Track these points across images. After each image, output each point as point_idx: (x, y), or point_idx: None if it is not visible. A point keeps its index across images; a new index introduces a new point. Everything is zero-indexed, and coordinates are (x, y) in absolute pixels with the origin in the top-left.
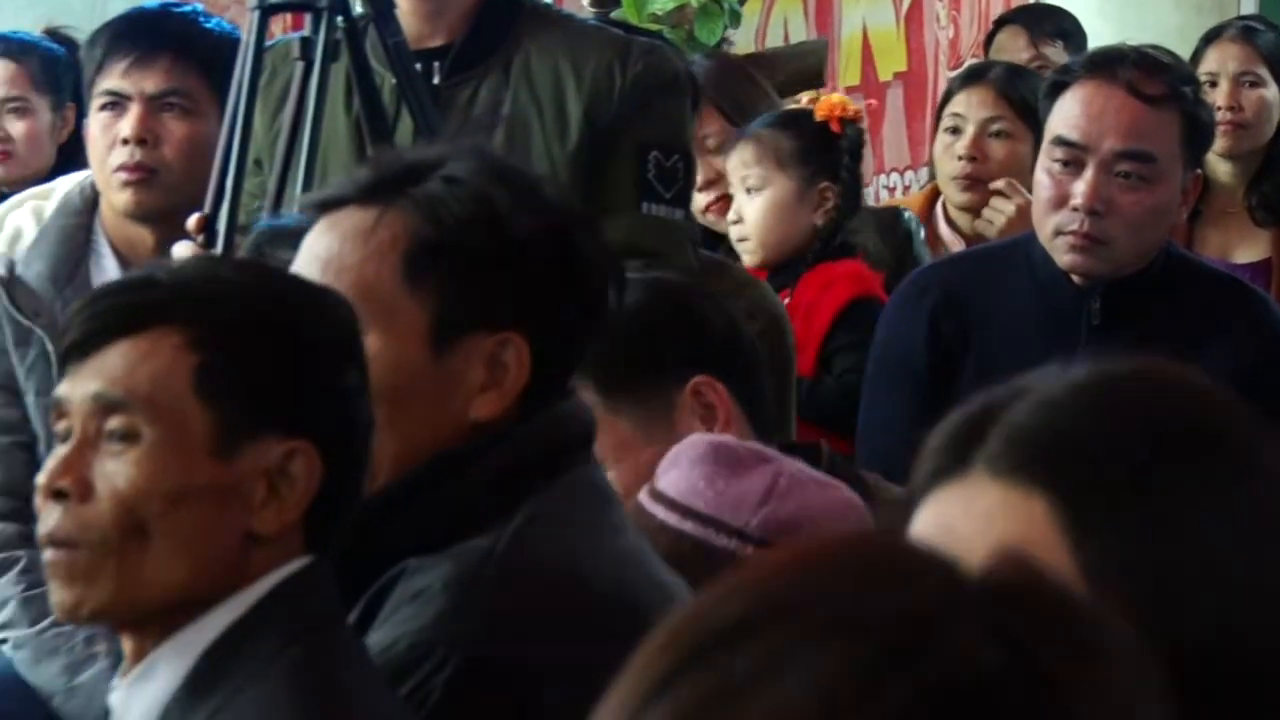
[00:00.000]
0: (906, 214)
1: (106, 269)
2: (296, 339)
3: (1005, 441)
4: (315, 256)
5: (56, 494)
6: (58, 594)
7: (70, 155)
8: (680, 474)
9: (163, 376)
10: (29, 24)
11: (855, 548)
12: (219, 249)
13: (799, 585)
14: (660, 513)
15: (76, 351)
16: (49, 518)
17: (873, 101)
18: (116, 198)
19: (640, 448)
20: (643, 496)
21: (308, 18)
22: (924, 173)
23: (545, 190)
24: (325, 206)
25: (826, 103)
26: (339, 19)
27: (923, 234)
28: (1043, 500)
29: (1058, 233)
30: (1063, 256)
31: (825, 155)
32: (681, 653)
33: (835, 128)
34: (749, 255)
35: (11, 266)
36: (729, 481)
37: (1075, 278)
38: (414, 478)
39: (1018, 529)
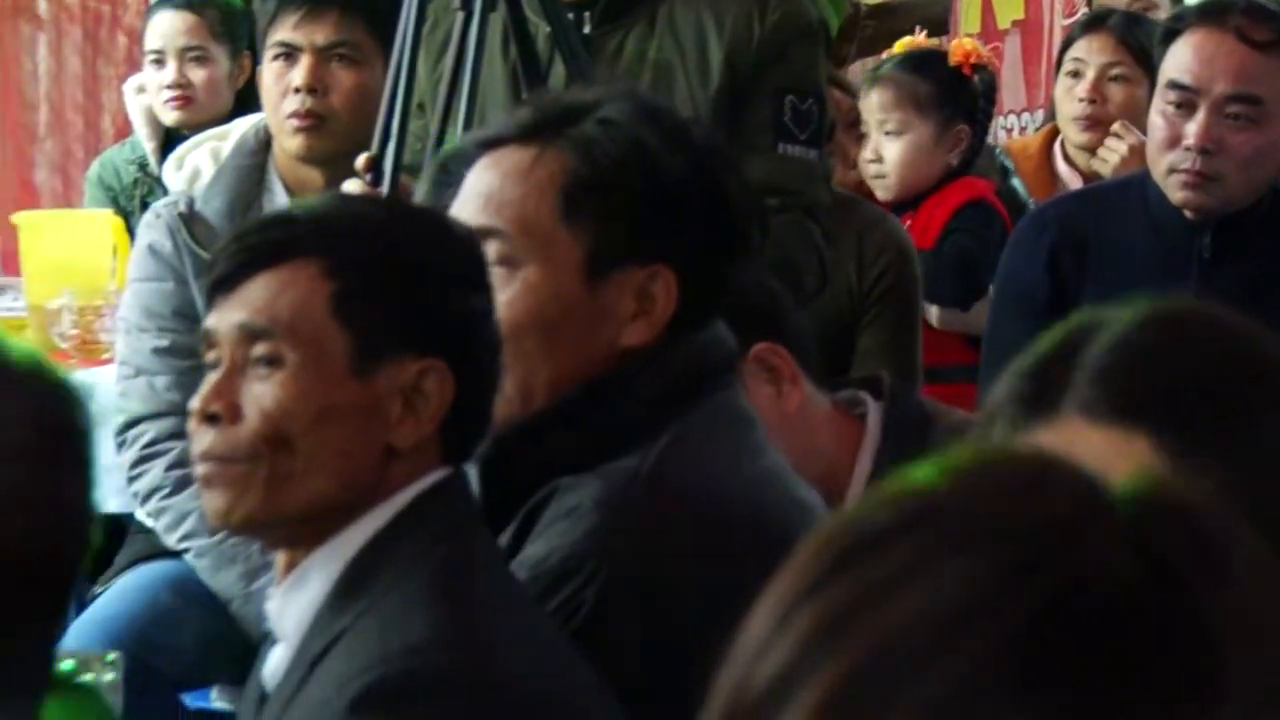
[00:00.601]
0: (998, 150)
1: (279, 206)
2: (425, 266)
3: (1096, 386)
4: (477, 193)
5: (209, 418)
6: (210, 501)
7: (245, 100)
8: None
9: (302, 305)
10: None
11: (1001, 461)
12: (385, 187)
13: (944, 495)
14: None
15: (223, 285)
16: (202, 439)
17: (997, 45)
18: (289, 142)
19: None
20: None
21: None
22: (1039, 115)
23: (693, 131)
24: (487, 145)
25: (960, 48)
26: None
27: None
28: (1144, 440)
29: (1171, 171)
30: (1176, 193)
31: (960, 99)
32: (832, 556)
33: (968, 72)
34: (884, 192)
35: (191, 203)
36: None
37: (1187, 214)
38: (567, 401)
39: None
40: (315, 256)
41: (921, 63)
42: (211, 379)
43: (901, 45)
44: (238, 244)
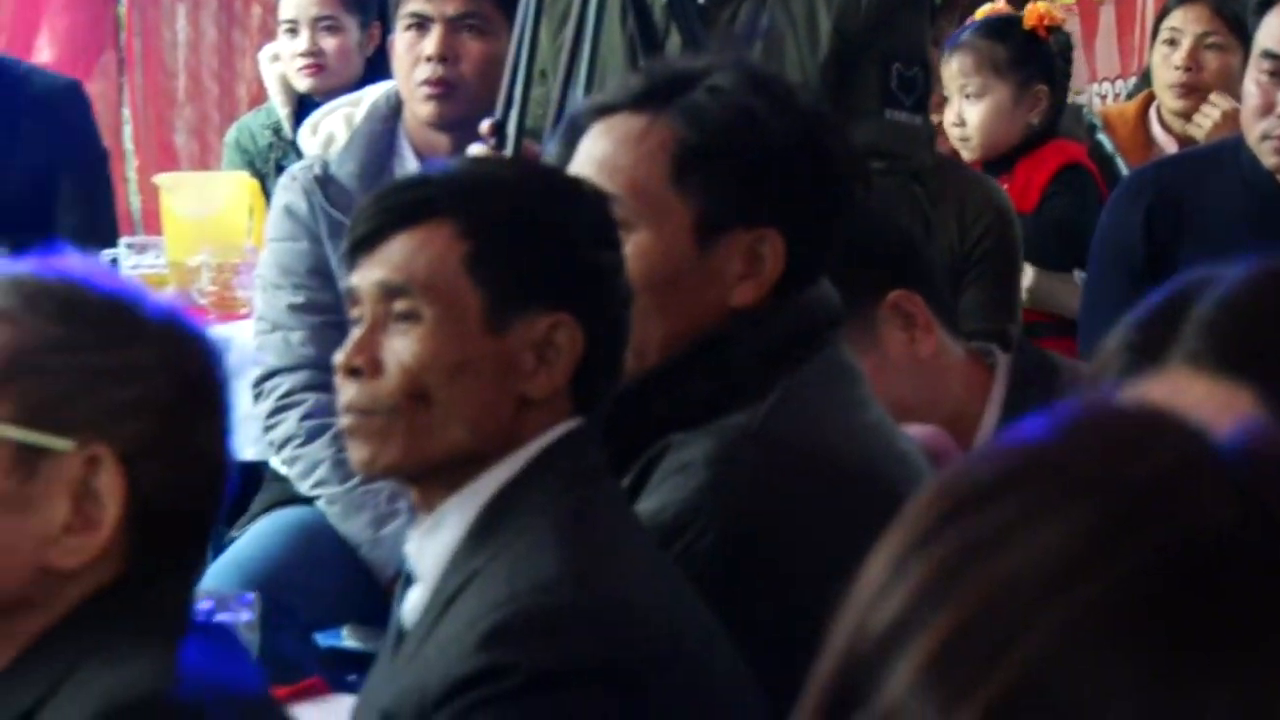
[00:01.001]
0: (1085, 110)
1: (409, 169)
2: (554, 224)
3: (1204, 339)
4: (591, 158)
5: (352, 371)
6: (355, 452)
7: (375, 68)
8: None
9: (438, 263)
10: None
11: (1108, 415)
12: (508, 151)
13: (1052, 450)
14: None
15: (363, 245)
16: (346, 392)
17: (1093, 13)
18: (420, 108)
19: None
20: None
21: None
22: (1133, 81)
23: (799, 97)
24: (601, 112)
25: (1034, 11)
26: None
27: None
28: (1249, 393)
29: (1264, 137)
30: (1269, 158)
31: (1037, 61)
32: (944, 509)
33: (1043, 34)
34: (969, 153)
35: (325, 166)
36: None
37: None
38: (679, 359)
39: (1229, 418)
40: (450, 217)
41: (997, 28)
42: (354, 334)
43: (981, 12)
44: (376, 206)
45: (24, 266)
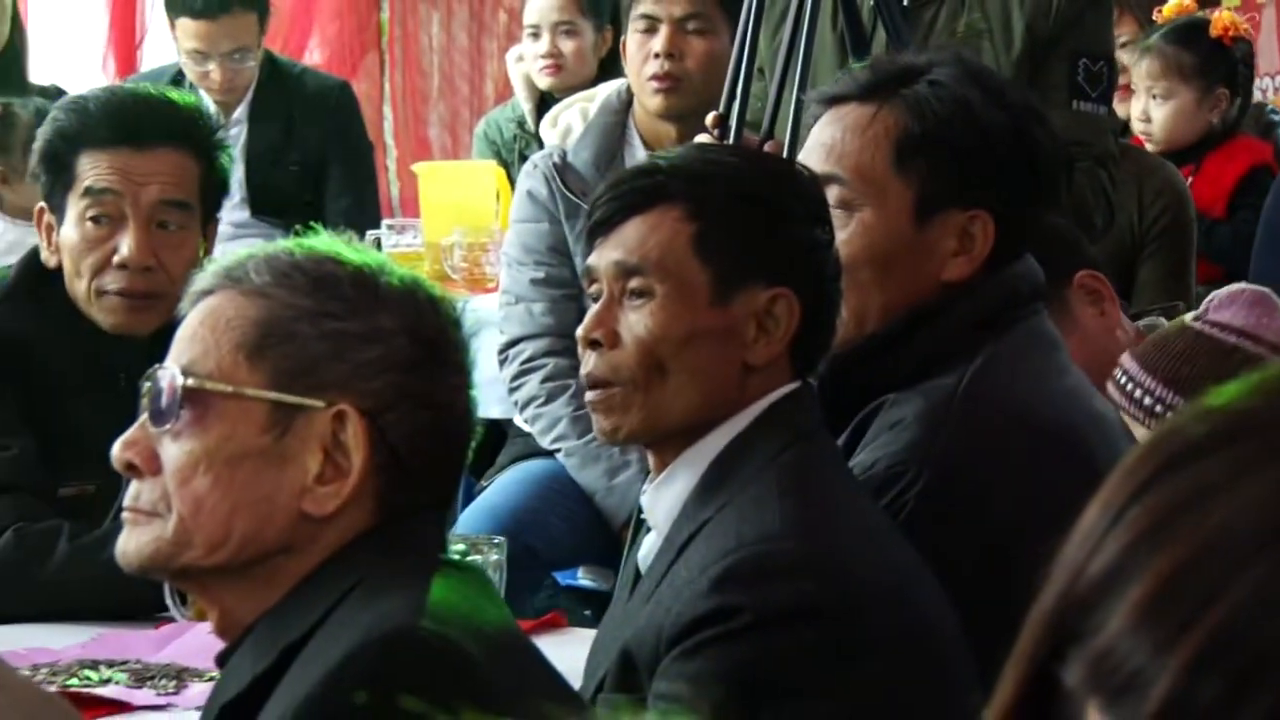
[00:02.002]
0: (1268, 107)
1: (638, 157)
2: (773, 206)
3: None
4: (820, 143)
5: (592, 343)
6: (599, 422)
7: (607, 67)
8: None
9: (668, 244)
10: None
11: None
12: (731, 141)
13: (1263, 409)
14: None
15: (601, 228)
16: (587, 363)
17: (1254, 15)
18: (649, 101)
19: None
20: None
21: None
22: None
23: (1010, 91)
24: (831, 101)
25: (1220, 21)
26: None
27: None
28: None
29: None
30: None
31: (1220, 67)
32: (1160, 461)
33: (1227, 42)
34: (1152, 145)
35: (563, 155)
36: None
37: None
38: (895, 327)
39: None
40: (678, 202)
41: (1185, 35)
42: (594, 310)
43: (1169, 10)
44: (611, 192)
45: (277, 246)
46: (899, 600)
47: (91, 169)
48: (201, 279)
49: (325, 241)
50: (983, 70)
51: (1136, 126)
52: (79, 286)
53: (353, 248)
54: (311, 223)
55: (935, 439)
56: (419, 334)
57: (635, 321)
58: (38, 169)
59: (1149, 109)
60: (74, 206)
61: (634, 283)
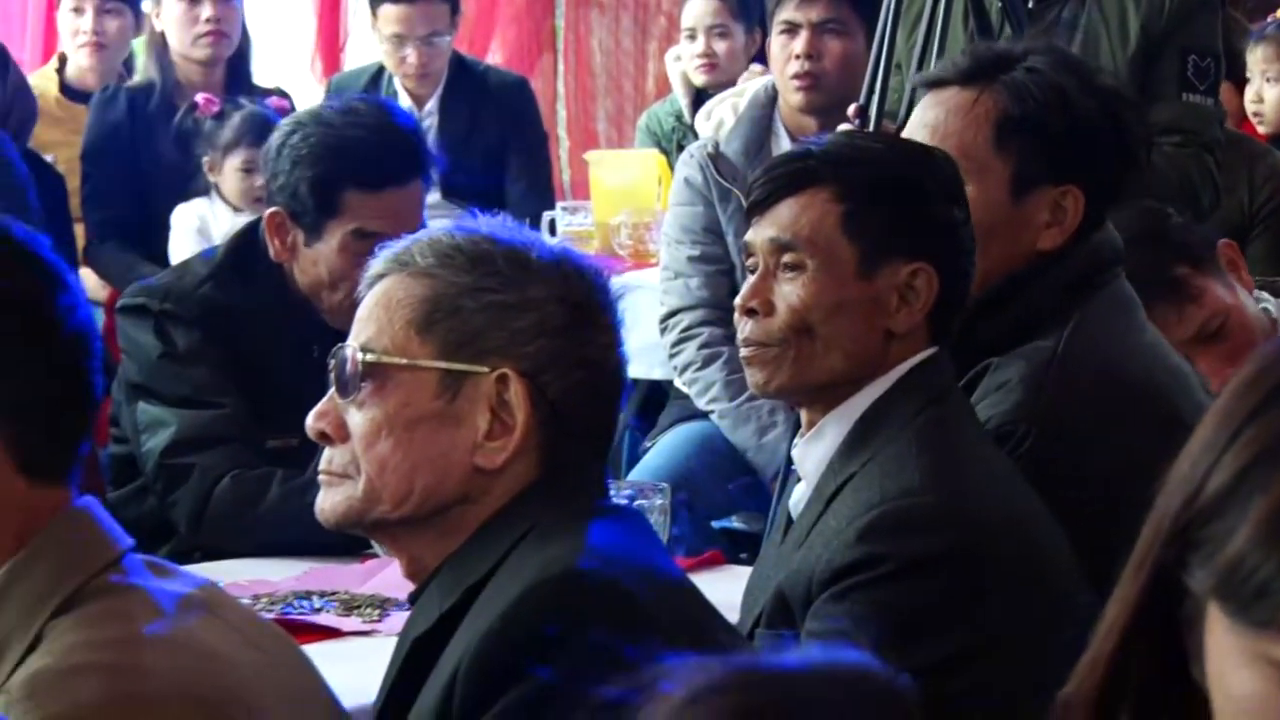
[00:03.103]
0: None
1: (783, 147)
2: (914, 187)
3: None
4: (924, 124)
5: (749, 311)
6: (751, 377)
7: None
8: None
9: (818, 223)
10: None
11: None
12: (870, 129)
13: None
14: None
15: (757, 207)
16: (744, 328)
17: None
18: (792, 97)
19: None
20: None
21: None
22: None
23: (1101, 78)
24: (934, 85)
25: None
26: None
27: None
28: None
29: None
30: None
31: None
32: (1259, 395)
33: None
34: (1263, 127)
35: (717, 145)
36: None
37: None
38: (992, 293)
39: None
40: (828, 184)
41: None
42: (750, 281)
43: None
44: (767, 175)
45: (438, 230)
46: (1025, 545)
47: (362, 209)
48: (374, 264)
49: (481, 222)
50: (1075, 59)
51: (1249, 108)
52: (334, 298)
53: (504, 227)
54: (493, 205)
55: (1039, 399)
56: (568, 300)
57: (788, 292)
58: (301, 193)
59: (1262, 90)
60: (337, 235)
61: (787, 257)
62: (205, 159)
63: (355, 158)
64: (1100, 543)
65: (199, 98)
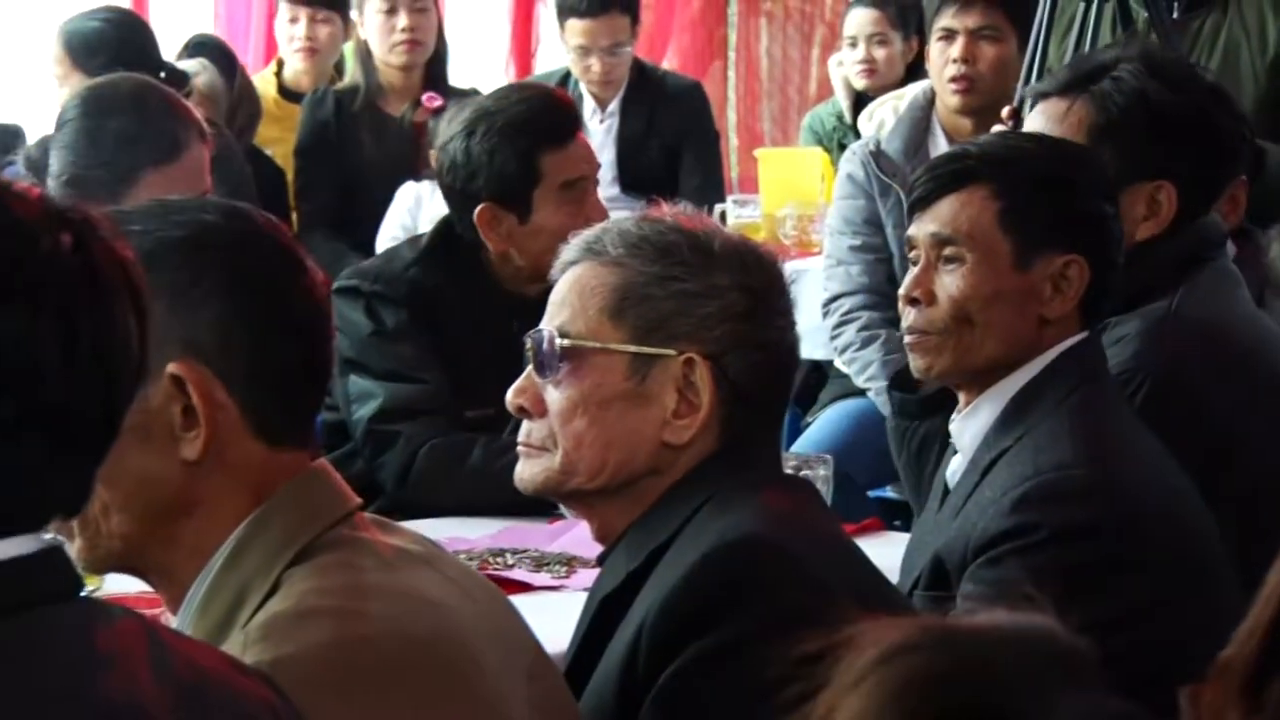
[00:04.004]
0: None
1: (940, 146)
2: (1067, 185)
3: None
4: (1031, 131)
5: (912, 300)
6: (914, 362)
7: (913, 70)
8: None
9: (977, 218)
10: None
11: None
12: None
13: None
14: None
15: (920, 204)
16: (907, 316)
17: None
18: (949, 100)
19: None
20: None
21: None
22: None
23: (1192, 78)
24: (1039, 96)
25: None
26: None
27: None
28: None
29: None
30: None
31: None
32: None
33: None
34: None
35: (878, 144)
36: None
37: None
38: None
39: None
40: (987, 182)
41: None
42: (913, 272)
43: None
44: (929, 174)
45: (626, 220)
46: (1171, 520)
47: (560, 164)
48: (567, 251)
49: (666, 212)
50: (1163, 62)
51: None
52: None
53: (688, 216)
54: (669, 198)
55: (1155, 350)
56: (748, 287)
57: (949, 283)
58: (507, 173)
59: None
60: (549, 198)
61: (948, 250)
62: (434, 151)
63: (540, 123)
64: (1210, 487)
65: (424, 96)
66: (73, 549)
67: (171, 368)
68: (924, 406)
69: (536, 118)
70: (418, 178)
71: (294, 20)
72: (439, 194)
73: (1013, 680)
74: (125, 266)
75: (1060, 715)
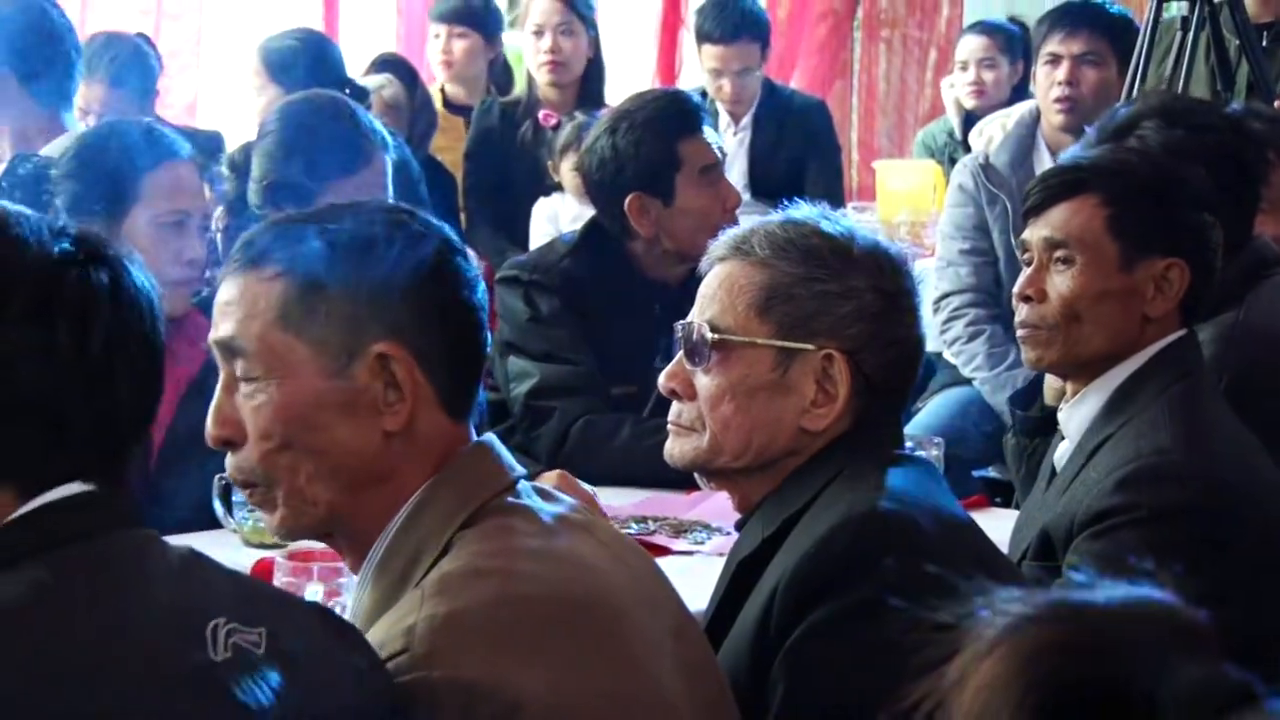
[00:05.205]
0: None
1: (1044, 161)
2: (1170, 194)
3: None
4: None
5: (1025, 298)
6: (1026, 354)
7: (1019, 91)
8: None
9: (1087, 225)
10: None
11: None
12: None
13: None
14: None
15: (1033, 211)
16: (1020, 312)
17: None
18: (1054, 118)
19: None
20: None
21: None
22: None
23: (1218, 118)
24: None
25: None
26: (1206, 3)
27: None
28: None
29: None
30: None
31: None
32: None
33: None
34: None
35: (986, 158)
36: None
37: None
38: None
39: None
40: (1096, 191)
41: None
42: (1027, 273)
43: None
44: (1043, 184)
45: (772, 222)
46: (1263, 504)
47: (695, 151)
48: (716, 248)
49: (809, 214)
50: (1183, 109)
51: None
52: (702, 239)
53: (829, 220)
54: (794, 204)
55: (1229, 352)
56: (882, 289)
57: (1060, 283)
58: (653, 161)
59: None
60: (690, 181)
61: (1059, 253)
62: (549, 162)
63: (674, 115)
64: None
65: (541, 114)
66: (272, 519)
67: (378, 347)
68: (1041, 427)
69: (671, 111)
70: (546, 191)
71: (436, 36)
72: (568, 202)
73: (1136, 651)
74: (137, 291)
75: (1181, 685)
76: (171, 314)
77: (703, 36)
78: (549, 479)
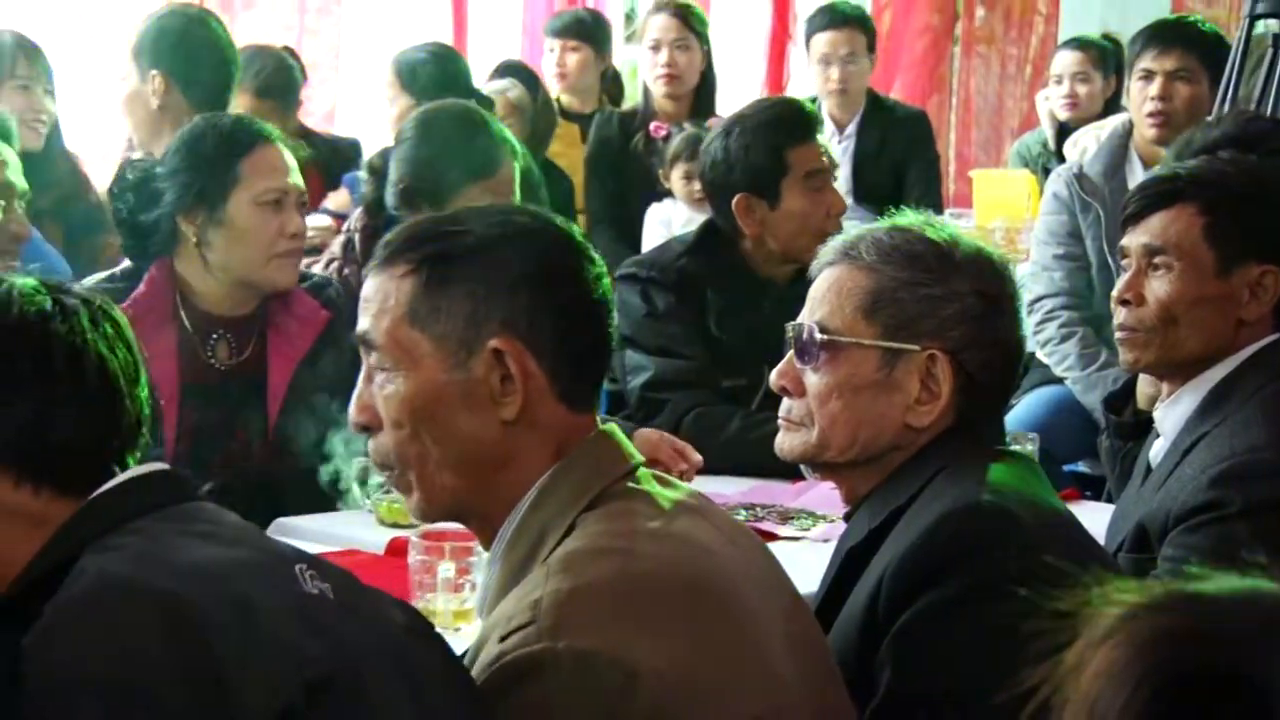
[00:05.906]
0: None
1: (1136, 172)
2: (1266, 203)
3: None
4: None
5: (1124, 301)
6: (1123, 355)
7: (1111, 105)
8: None
9: (1184, 232)
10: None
11: None
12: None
13: None
14: None
15: (1133, 218)
16: (1118, 315)
17: None
18: (1146, 132)
19: None
20: None
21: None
22: None
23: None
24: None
25: None
26: None
27: None
28: None
29: None
30: None
31: None
32: None
33: None
34: None
35: (1080, 168)
36: None
37: None
38: None
39: None
40: (1194, 200)
41: None
42: (1125, 278)
43: None
44: (1142, 193)
45: (877, 229)
46: None
47: (802, 158)
48: (825, 253)
49: (913, 220)
50: (1260, 132)
51: None
52: (803, 241)
53: (933, 226)
54: (894, 209)
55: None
56: (984, 292)
57: (1157, 287)
58: (760, 165)
59: None
60: (795, 186)
61: (1157, 259)
62: (660, 170)
63: (785, 123)
64: None
65: (652, 125)
66: (410, 501)
67: (493, 342)
68: (1135, 431)
69: (782, 118)
70: (658, 197)
71: (551, 50)
72: (680, 207)
73: (1249, 640)
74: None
75: None
76: (279, 286)
77: (814, 26)
78: (646, 436)
